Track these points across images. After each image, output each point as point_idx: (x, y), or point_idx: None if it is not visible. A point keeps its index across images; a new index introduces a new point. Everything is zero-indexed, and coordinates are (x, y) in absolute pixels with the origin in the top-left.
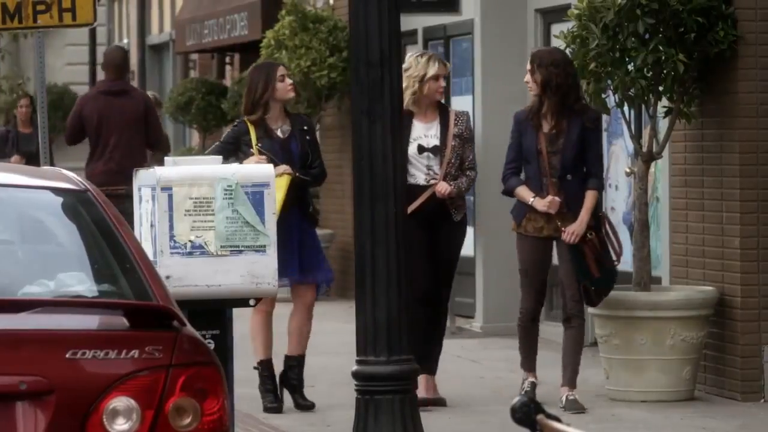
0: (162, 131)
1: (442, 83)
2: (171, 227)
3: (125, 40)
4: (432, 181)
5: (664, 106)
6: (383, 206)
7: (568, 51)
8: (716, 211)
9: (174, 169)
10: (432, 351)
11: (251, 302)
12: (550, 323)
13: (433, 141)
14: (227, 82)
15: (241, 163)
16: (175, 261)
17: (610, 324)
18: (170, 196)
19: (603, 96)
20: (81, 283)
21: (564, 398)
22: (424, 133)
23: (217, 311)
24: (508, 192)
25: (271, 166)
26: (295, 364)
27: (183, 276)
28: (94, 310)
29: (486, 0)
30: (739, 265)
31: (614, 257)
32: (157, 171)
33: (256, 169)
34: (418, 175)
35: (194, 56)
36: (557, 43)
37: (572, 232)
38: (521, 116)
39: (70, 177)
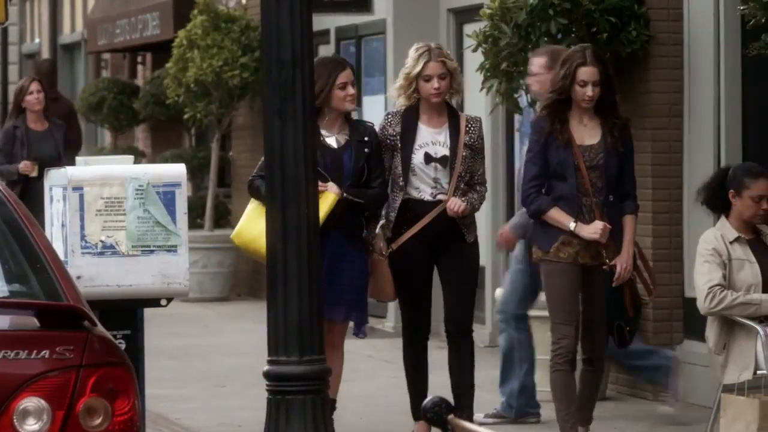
0: (81, 133)
1: (436, 84)
2: (82, 227)
3: (37, 40)
4: (440, 196)
5: None
6: (295, 207)
7: (480, 51)
8: None
9: (85, 168)
10: (466, 396)
11: (162, 302)
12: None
13: (442, 150)
14: (139, 81)
15: None
16: (86, 261)
17: None
18: (81, 196)
19: (515, 95)
20: None
21: None
22: (431, 139)
23: (128, 311)
24: (537, 215)
25: (182, 166)
26: None
27: (94, 276)
28: (5, 310)
29: (398, 0)
30: (651, 266)
31: (647, 293)
32: (69, 171)
33: (167, 168)
34: (423, 188)
35: (106, 56)
36: (469, 42)
37: (626, 268)
38: (543, 124)
39: None
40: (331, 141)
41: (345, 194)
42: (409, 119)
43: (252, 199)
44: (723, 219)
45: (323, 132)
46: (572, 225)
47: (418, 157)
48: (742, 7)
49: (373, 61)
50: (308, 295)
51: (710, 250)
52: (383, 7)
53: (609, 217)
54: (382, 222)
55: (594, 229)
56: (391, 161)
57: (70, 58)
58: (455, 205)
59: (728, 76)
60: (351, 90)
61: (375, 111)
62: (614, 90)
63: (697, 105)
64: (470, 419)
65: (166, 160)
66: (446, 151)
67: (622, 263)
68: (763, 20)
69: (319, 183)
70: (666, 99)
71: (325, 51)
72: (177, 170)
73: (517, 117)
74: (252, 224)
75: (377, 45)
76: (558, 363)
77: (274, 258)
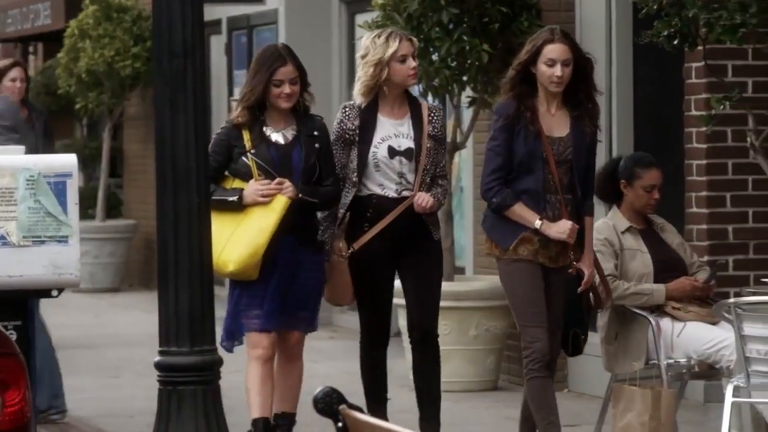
0: None
1: (413, 63)
2: None
3: None
4: (405, 193)
5: (468, 96)
6: (186, 197)
7: None
8: None
9: None
10: (430, 405)
11: (54, 293)
12: None
13: (406, 142)
14: (30, 71)
15: (233, 175)
16: None
17: None
18: None
19: None
20: None
21: None
22: (393, 131)
23: (19, 302)
24: (500, 210)
25: (73, 156)
26: (283, 423)
27: None
28: None
29: None
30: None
31: (596, 302)
32: None
33: (59, 159)
34: (388, 185)
35: None
36: (361, 33)
37: (591, 272)
38: (510, 110)
39: None
40: (278, 137)
41: (300, 194)
42: (367, 111)
43: None
44: (615, 209)
45: (268, 128)
46: (538, 223)
47: (381, 151)
48: None
49: None
50: (200, 286)
51: (602, 239)
52: None
53: (572, 216)
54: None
55: (563, 229)
56: (349, 157)
57: None
58: (423, 200)
59: (620, 65)
60: (286, 89)
61: None
62: (590, 75)
63: None
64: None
65: (57, 151)
66: (410, 143)
67: (588, 266)
68: (655, 8)
69: (273, 183)
70: None
71: (217, 41)
72: (68, 160)
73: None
74: None
75: (269, 35)
76: (533, 369)
77: (165, 249)
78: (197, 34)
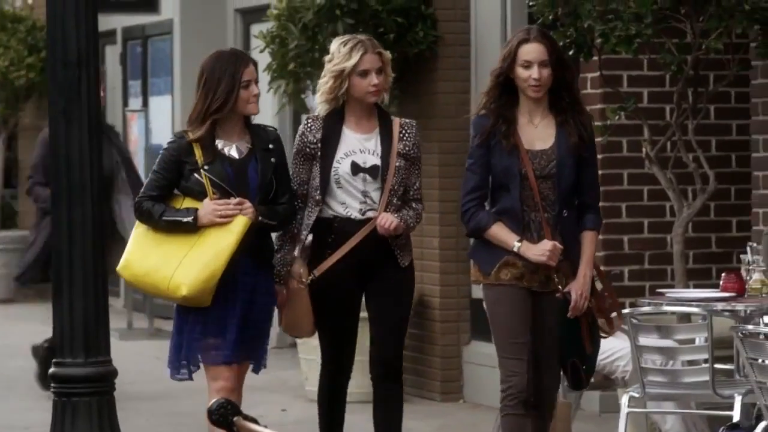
0: None
1: (375, 80)
2: None
3: None
4: (369, 213)
5: None
6: (80, 208)
7: (267, 51)
8: None
9: None
10: None
11: None
12: None
13: (372, 159)
14: None
15: (183, 193)
16: None
17: None
18: None
19: (302, 96)
20: None
21: None
22: (359, 147)
23: None
24: (477, 233)
25: None
26: None
27: None
28: None
29: (185, 0)
30: (438, 266)
31: (607, 327)
32: None
33: None
34: (351, 204)
35: None
36: (257, 43)
37: (582, 295)
38: (485, 124)
39: None
40: (231, 150)
41: (260, 218)
42: (332, 124)
43: (137, 224)
44: None
45: (220, 141)
46: (516, 245)
47: (344, 167)
48: (531, 3)
49: (159, 61)
50: (94, 297)
51: None
52: (170, 7)
53: (563, 235)
54: (302, 244)
55: (541, 251)
56: (310, 173)
57: None
58: (386, 221)
59: None
60: (255, 89)
61: (161, 112)
62: (572, 77)
63: None
64: None
65: None
66: (377, 160)
67: (577, 289)
68: (550, 18)
69: (232, 203)
70: (453, 99)
71: (112, 51)
72: None
73: (303, 118)
74: (143, 255)
75: (164, 45)
76: (509, 406)
77: (59, 260)
78: (91, 44)
